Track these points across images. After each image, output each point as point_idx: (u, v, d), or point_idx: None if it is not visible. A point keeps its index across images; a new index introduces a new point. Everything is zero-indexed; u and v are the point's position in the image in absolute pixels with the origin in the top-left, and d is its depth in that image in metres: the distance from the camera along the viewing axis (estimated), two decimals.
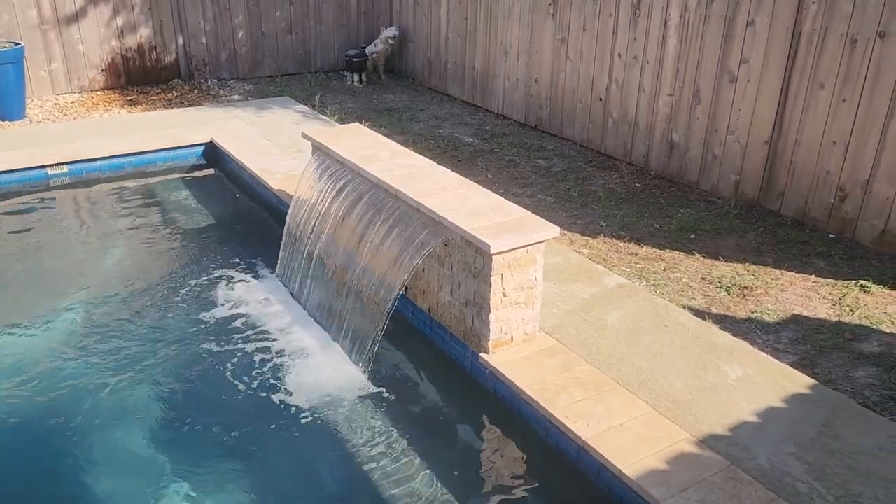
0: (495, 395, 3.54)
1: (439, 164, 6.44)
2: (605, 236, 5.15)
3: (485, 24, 7.94)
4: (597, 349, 3.64)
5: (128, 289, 4.65)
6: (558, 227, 3.50)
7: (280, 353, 3.93)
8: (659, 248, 4.97)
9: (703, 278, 4.59)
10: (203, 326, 4.19)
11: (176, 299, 4.49)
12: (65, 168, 6.19)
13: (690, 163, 6.03)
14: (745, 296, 4.38)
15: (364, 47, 9.36)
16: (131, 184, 6.38)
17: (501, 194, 5.85)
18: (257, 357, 3.91)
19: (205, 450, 3.34)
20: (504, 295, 3.48)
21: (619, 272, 4.60)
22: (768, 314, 4.18)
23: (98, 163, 6.30)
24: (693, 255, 4.89)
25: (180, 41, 8.64)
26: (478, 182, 6.16)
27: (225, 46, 8.89)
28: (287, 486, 3.19)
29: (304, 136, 4.80)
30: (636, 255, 4.89)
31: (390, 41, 9.26)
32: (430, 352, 4.02)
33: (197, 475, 3.21)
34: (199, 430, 3.45)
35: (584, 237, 5.13)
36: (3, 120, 7.27)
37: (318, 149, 4.66)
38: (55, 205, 5.97)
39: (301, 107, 7.81)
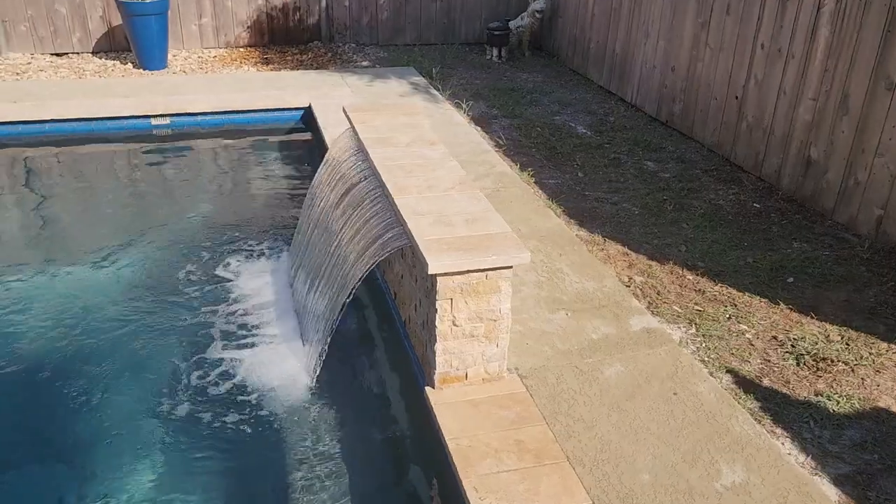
0: (437, 436, 2.97)
1: (535, 154, 5.86)
2: (675, 264, 4.26)
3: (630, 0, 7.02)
4: (568, 408, 2.94)
5: (155, 248, 4.63)
6: (528, 253, 2.82)
7: (242, 343, 3.65)
8: (737, 289, 4.01)
9: (774, 337, 3.61)
10: (188, 300, 4.03)
11: (189, 266, 4.40)
12: (167, 120, 6.37)
13: (827, 186, 4.85)
14: (818, 370, 3.37)
15: (509, 20, 8.75)
16: (226, 141, 6.45)
17: (584, 197, 5.14)
18: (217, 345, 3.66)
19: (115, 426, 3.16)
20: (455, 324, 2.90)
21: (664, 312, 3.75)
22: (839, 401, 3.16)
23: (198, 118, 6.41)
24: (778, 304, 3.88)
25: (323, 3, 8.62)
26: (566, 180, 5.47)
27: (367, 11, 8.74)
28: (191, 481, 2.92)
29: (344, 110, 4.42)
30: (703, 293, 3.97)
31: (537, 15, 8.58)
32: (400, 368, 3.53)
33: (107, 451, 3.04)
34: (125, 402, 3.29)
35: (649, 261, 4.28)
36: (146, 69, 7.68)
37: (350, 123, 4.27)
38: (148, 155, 6.16)
39: (418, 79, 7.45)
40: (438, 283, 2.79)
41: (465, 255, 2.77)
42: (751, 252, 4.42)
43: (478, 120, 6.52)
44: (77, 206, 5.33)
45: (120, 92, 6.62)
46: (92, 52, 8.13)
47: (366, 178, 3.65)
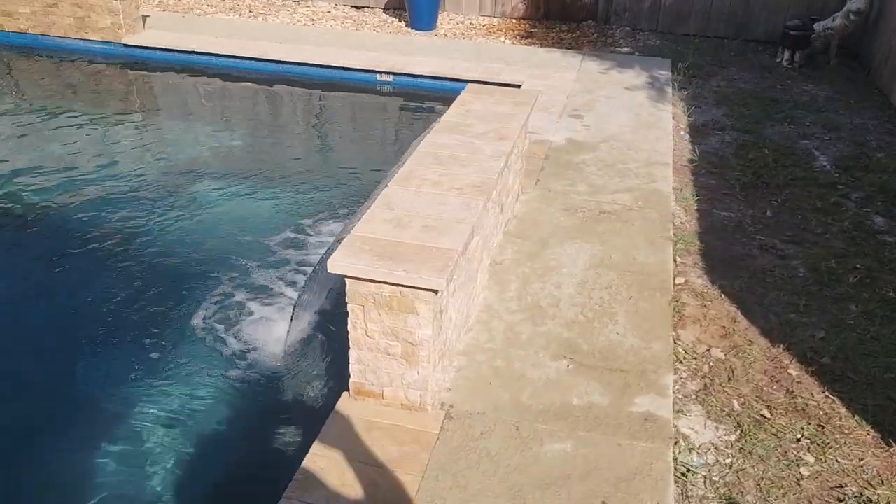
0: None
1: (730, 179, 4.94)
2: (789, 350, 3.24)
3: None
4: (462, 469, 2.47)
5: (301, 192, 5.01)
6: (443, 280, 2.39)
7: (262, 299, 3.75)
8: (849, 407, 2.93)
9: (840, 486, 2.58)
10: (270, 246, 4.26)
11: (310, 215, 4.69)
12: (390, 77, 6.67)
13: None
14: None
15: (816, 19, 7.29)
16: (438, 106, 6.54)
17: (748, 241, 4.21)
18: (243, 295, 3.83)
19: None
20: (367, 335, 2.61)
21: (712, 403, 2.90)
22: None
23: (417, 79, 6.60)
24: (890, 446, 2.75)
25: None
26: (743, 216, 4.44)
27: None
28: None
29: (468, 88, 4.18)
30: (793, 396, 2.98)
31: (852, 17, 7.00)
32: None
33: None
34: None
35: (756, 337, 3.32)
36: (413, 29, 8.10)
37: None
38: (363, 106, 6.56)
39: (664, 73, 6.67)
40: (347, 285, 2.53)
41: (376, 261, 2.45)
42: None
43: (695, 129, 5.64)
44: (273, 142, 5.93)
45: (367, 46, 7.11)
46: (383, 9, 8.79)
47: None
